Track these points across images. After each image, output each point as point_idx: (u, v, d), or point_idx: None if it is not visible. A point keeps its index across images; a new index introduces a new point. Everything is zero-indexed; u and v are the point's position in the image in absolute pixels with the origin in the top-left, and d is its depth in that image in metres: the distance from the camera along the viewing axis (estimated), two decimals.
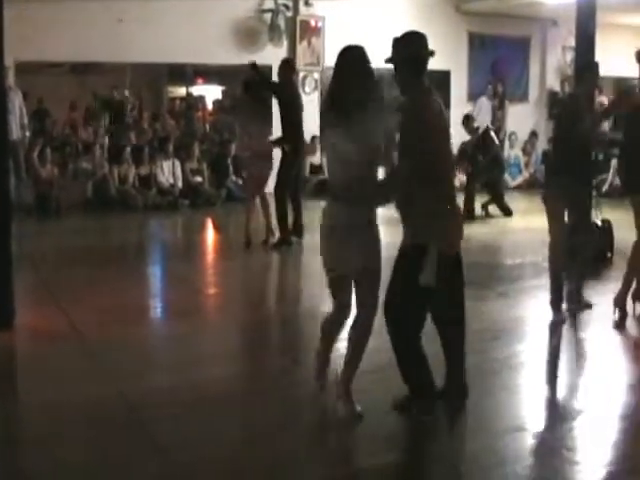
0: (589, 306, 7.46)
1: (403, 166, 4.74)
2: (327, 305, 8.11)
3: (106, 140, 15.25)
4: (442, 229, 4.80)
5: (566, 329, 7.14)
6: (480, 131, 13.99)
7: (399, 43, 4.86)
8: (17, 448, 4.87)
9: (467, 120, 14.24)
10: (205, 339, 7.10)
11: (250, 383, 5.94)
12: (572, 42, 9.75)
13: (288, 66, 11.26)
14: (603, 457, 4.62)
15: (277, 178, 10.93)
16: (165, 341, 7.05)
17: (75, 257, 10.59)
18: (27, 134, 13.85)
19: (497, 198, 13.83)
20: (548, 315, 7.13)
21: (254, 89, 10.89)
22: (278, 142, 11.05)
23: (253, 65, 10.78)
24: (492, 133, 14.12)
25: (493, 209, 13.78)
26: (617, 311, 7.21)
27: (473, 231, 12.24)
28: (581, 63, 8.57)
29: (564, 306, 7.23)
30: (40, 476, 4.39)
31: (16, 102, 13.22)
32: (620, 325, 7.11)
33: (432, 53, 4.84)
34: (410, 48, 4.84)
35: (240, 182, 15.07)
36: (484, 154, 13.69)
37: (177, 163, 15.21)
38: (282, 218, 10.82)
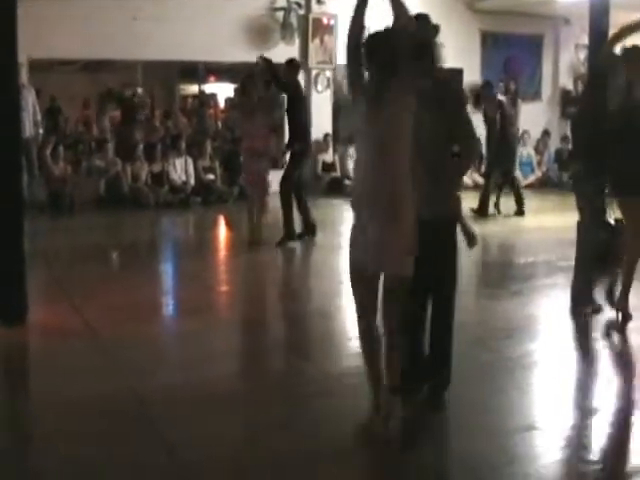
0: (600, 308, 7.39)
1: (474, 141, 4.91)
2: (338, 303, 8.17)
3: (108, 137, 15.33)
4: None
5: (579, 328, 7.13)
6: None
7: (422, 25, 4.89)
8: (27, 445, 4.89)
9: (488, 86, 14.16)
10: (216, 337, 7.10)
11: (260, 381, 5.94)
12: (585, 40, 9.73)
13: (292, 66, 11.25)
14: (616, 456, 4.61)
15: (283, 175, 10.93)
16: (176, 338, 7.07)
17: (88, 254, 10.62)
18: (40, 131, 13.88)
19: (516, 191, 13.67)
20: (562, 314, 7.09)
21: (252, 88, 10.90)
22: (288, 147, 11.04)
23: (264, 58, 10.83)
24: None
25: (505, 208, 13.72)
26: (619, 314, 7.11)
27: (487, 230, 12.24)
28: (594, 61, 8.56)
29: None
30: (49, 473, 4.40)
31: (29, 100, 13.25)
32: (622, 328, 6.98)
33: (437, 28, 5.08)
34: (434, 30, 4.95)
35: None
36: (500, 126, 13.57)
37: (189, 161, 15.23)
38: (286, 215, 10.80)
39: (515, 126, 15.81)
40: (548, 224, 11.94)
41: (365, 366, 4.82)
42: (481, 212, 13.18)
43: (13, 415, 5.33)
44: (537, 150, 18.39)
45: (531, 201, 14.44)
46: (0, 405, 5.43)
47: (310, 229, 11.06)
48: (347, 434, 4.77)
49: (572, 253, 7.54)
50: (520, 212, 13.58)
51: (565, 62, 19.34)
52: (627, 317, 7.04)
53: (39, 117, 13.78)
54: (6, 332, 6.73)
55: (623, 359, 6.47)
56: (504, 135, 13.58)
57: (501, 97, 14.06)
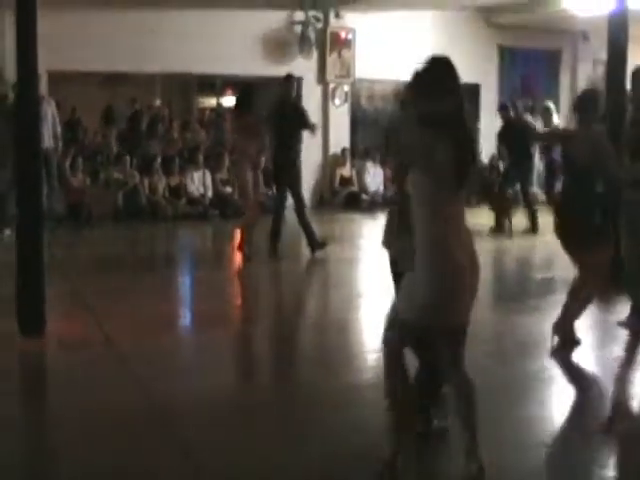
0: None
1: None
2: (357, 315, 8.17)
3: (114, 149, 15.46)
4: None
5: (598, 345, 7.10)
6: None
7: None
8: (44, 454, 4.90)
9: (504, 109, 14.17)
10: (234, 348, 7.13)
11: (277, 392, 5.94)
12: (603, 55, 9.71)
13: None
14: (635, 473, 4.58)
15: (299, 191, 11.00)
16: (194, 350, 7.07)
17: (105, 266, 10.66)
18: (60, 144, 13.90)
19: (529, 207, 13.58)
20: (580, 329, 7.00)
21: (242, 105, 10.97)
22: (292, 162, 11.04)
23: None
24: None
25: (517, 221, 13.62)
26: (555, 338, 6.79)
27: (504, 245, 12.25)
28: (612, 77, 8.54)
29: None
30: None
31: (48, 111, 13.29)
32: (557, 351, 6.66)
33: None
34: None
35: (270, 193, 15.16)
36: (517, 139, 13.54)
37: (207, 173, 15.28)
38: (306, 228, 10.88)
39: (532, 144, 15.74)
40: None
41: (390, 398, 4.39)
42: (497, 228, 13.16)
43: (31, 424, 5.35)
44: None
45: (549, 216, 14.35)
46: (18, 415, 5.45)
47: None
48: (364, 446, 4.75)
49: None
50: (534, 229, 13.43)
51: (583, 77, 19.30)
52: (564, 342, 6.76)
53: (59, 129, 13.80)
54: (25, 343, 6.76)
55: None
56: (521, 152, 13.56)
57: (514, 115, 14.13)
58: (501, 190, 13.76)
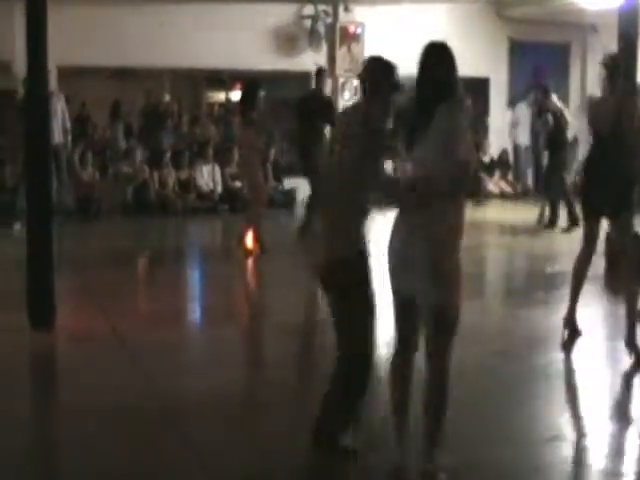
0: None
1: None
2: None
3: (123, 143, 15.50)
4: None
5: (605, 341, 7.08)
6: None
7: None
8: (53, 448, 4.93)
9: (547, 91, 14.14)
10: (241, 343, 7.13)
11: (286, 388, 5.93)
12: (614, 48, 9.68)
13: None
14: None
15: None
16: (201, 344, 7.09)
17: (115, 260, 10.68)
18: (69, 138, 13.94)
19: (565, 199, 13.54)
20: (587, 323, 6.99)
21: (246, 102, 11.00)
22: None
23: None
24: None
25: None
26: (566, 331, 6.79)
27: (514, 240, 12.23)
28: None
29: None
30: (74, 477, 4.44)
31: (58, 106, 13.32)
32: (568, 344, 6.67)
33: None
34: None
35: (280, 187, 15.20)
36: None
37: (217, 168, 15.28)
38: (308, 221, 11.16)
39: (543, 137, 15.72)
40: (577, 233, 11.84)
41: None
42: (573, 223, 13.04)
43: (38, 418, 5.38)
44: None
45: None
46: (25, 408, 5.48)
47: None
48: (371, 444, 4.75)
49: (600, 262, 7.49)
50: (552, 223, 13.40)
51: (593, 70, 19.18)
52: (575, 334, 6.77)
53: (68, 124, 13.84)
54: (34, 336, 6.79)
55: None
56: (558, 143, 13.60)
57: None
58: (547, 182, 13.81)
